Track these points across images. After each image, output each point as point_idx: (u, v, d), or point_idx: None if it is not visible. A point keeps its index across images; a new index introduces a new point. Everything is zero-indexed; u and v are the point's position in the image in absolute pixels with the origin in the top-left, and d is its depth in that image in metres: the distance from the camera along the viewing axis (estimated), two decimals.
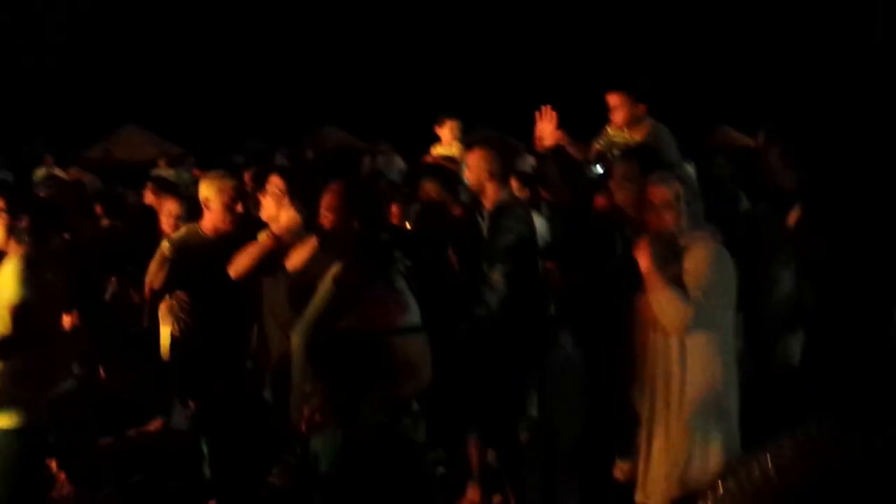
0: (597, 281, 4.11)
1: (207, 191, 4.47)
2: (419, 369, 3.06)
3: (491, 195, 4.47)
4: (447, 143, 7.07)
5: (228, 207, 4.43)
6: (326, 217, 3.33)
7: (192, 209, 5.47)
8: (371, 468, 2.77)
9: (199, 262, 4.36)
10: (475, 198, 4.58)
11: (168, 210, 5.41)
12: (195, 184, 6.21)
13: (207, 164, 8.49)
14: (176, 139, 14.02)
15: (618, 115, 5.02)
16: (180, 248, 4.50)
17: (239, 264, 4.18)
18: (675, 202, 3.50)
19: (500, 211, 4.39)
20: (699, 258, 3.43)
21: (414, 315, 3.18)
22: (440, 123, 7.11)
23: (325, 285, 3.47)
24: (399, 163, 7.82)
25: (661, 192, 3.53)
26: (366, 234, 3.30)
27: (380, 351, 2.91)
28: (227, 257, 4.21)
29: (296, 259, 4.04)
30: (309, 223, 3.88)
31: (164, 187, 6.33)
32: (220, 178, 4.51)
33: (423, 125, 7.50)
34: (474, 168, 4.58)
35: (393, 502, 2.77)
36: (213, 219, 4.46)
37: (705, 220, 3.60)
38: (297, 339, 3.39)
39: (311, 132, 12.06)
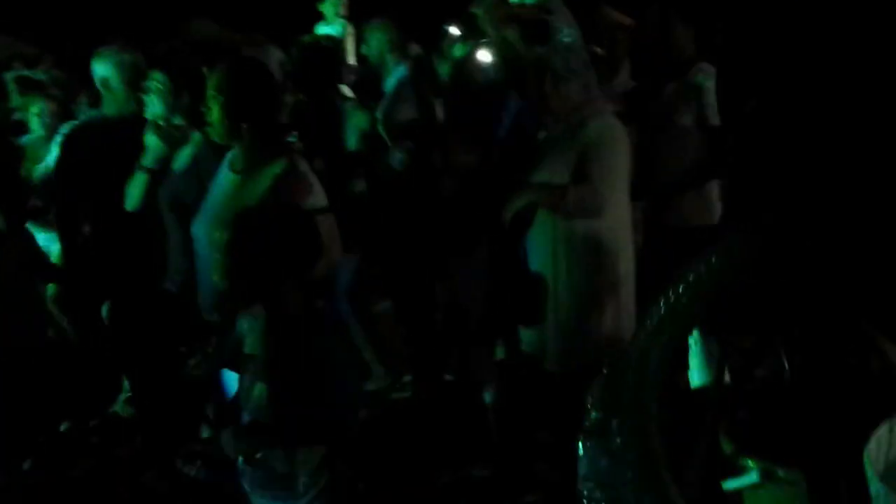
0: (488, 159, 4.11)
1: (104, 68, 4.14)
2: (329, 250, 3.04)
3: (391, 68, 4.45)
4: (330, 19, 6.89)
5: (132, 84, 4.11)
6: (216, 100, 3.20)
7: (63, 110, 5.17)
8: (293, 350, 2.76)
9: (105, 146, 4.03)
10: (366, 75, 4.55)
11: (39, 111, 5.08)
12: (58, 85, 5.84)
13: (68, 64, 7.97)
14: (29, 38, 13.13)
15: None
16: (78, 134, 4.18)
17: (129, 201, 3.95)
18: (566, 71, 3.46)
19: (400, 88, 4.37)
20: (595, 135, 3.40)
21: (319, 196, 3.14)
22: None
23: (221, 174, 3.38)
24: (277, 54, 7.59)
25: (550, 62, 3.47)
26: (260, 115, 3.21)
27: (289, 233, 2.87)
28: (137, 141, 3.92)
29: (182, 160, 3.83)
30: (194, 121, 3.71)
31: (31, 86, 5.94)
32: (117, 51, 4.18)
33: (303, 11, 7.21)
34: (374, 41, 4.53)
35: (314, 383, 2.77)
36: (115, 100, 4.13)
37: (597, 90, 3.58)
38: (200, 230, 3.31)
39: (176, 25, 11.42)
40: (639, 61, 5.15)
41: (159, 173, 3.80)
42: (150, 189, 3.81)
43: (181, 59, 4.18)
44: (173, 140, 3.85)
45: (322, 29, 6.85)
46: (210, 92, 3.22)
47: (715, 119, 4.25)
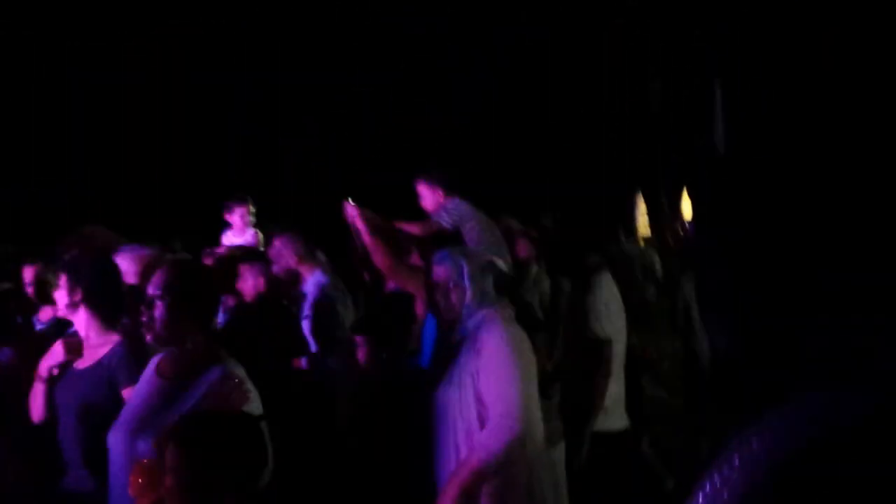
0: (398, 367, 4.00)
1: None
2: (265, 458, 3.01)
3: (307, 276, 4.51)
4: (239, 230, 6.58)
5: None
6: (162, 300, 3.14)
7: None
8: None
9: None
10: (279, 283, 4.56)
11: None
12: None
13: None
14: None
15: (426, 202, 5.19)
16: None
17: (33, 408, 3.86)
18: (457, 280, 3.39)
19: (323, 294, 4.40)
20: (489, 348, 3.30)
21: (256, 404, 3.08)
22: (229, 210, 6.60)
23: (145, 380, 3.30)
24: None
25: (441, 272, 3.42)
26: (204, 318, 3.17)
27: (236, 441, 2.80)
28: None
29: (90, 358, 3.75)
30: (109, 320, 3.68)
31: None
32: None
33: (209, 217, 6.92)
34: (282, 255, 4.57)
35: None
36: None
37: (498, 295, 3.46)
38: (118, 438, 3.20)
39: (68, 232, 10.75)
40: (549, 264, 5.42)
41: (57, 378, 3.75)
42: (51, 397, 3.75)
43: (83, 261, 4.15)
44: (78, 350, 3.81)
45: (230, 238, 6.52)
46: (155, 292, 3.16)
47: (593, 328, 4.45)
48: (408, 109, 12.50)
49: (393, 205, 5.04)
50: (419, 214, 5.15)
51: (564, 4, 12.46)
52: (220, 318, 4.42)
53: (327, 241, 5.42)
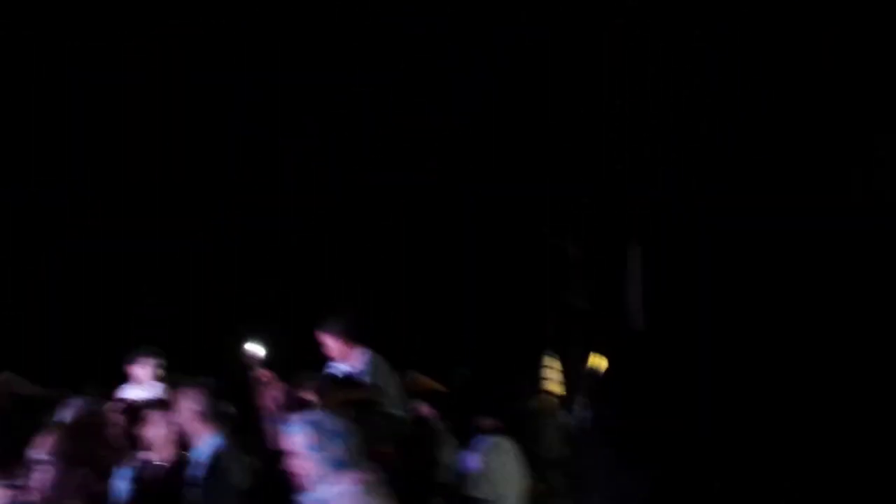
0: None
1: None
2: None
3: (205, 437, 4.35)
4: (144, 383, 6.23)
5: None
6: (48, 465, 3.09)
7: None
8: None
9: None
10: (179, 440, 4.40)
11: None
12: None
13: None
14: None
15: (331, 351, 5.20)
16: None
17: None
18: (307, 449, 3.38)
19: (219, 459, 4.26)
20: None
21: None
22: (137, 363, 6.31)
23: None
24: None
25: (291, 440, 3.41)
26: (87, 485, 3.12)
27: None
28: None
29: None
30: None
31: None
32: None
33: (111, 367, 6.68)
34: (184, 411, 4.41)
35: None
36: None
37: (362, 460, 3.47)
38: None
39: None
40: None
41: None
42: None
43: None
44: None
45: (131, 392, 5.98)
46: (43, 456, 3.10)
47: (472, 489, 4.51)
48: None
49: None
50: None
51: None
52: (126, 472, 4.21)
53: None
